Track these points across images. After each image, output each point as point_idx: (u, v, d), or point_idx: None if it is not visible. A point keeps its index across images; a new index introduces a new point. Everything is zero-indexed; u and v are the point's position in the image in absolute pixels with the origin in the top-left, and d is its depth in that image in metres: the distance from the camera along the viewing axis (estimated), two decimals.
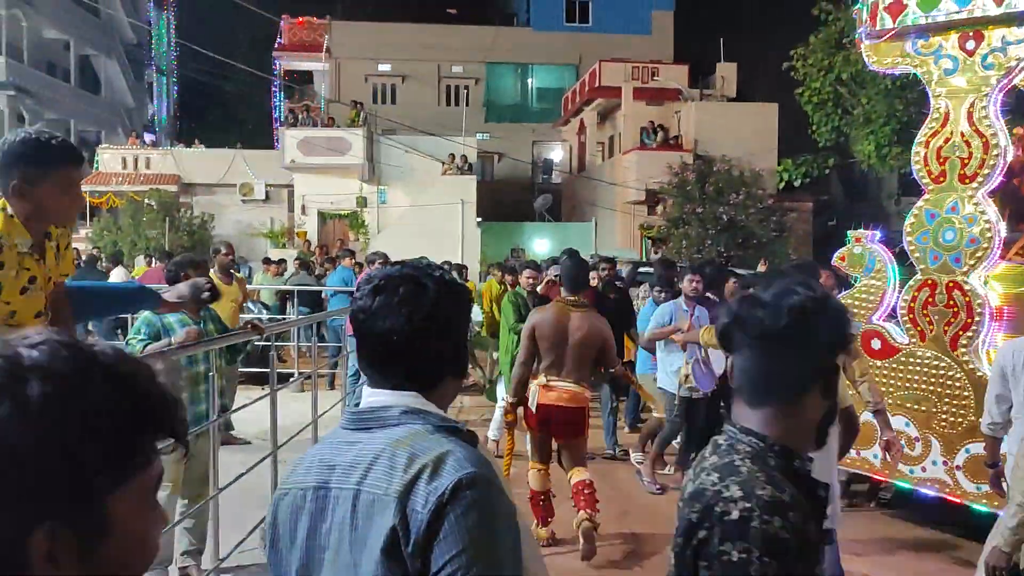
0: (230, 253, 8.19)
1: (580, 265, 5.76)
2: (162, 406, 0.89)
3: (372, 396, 1.55)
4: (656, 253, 21.67)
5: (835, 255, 5.83)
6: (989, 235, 4.81)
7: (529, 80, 34.57)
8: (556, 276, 7.62)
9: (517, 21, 35.55)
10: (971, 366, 4.69)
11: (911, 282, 5.17)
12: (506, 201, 28.35)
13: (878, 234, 5.56)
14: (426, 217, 22.18)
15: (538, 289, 7.79)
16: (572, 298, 5.50)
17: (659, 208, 22.73)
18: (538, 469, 5.65)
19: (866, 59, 5.50)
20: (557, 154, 33.06)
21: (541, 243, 24.12)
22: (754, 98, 24.33)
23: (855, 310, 5.36)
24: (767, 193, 21.38)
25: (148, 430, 0.88)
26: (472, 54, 31.92)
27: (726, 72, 25.59)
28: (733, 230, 20.43)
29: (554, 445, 5.72)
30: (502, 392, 7.57)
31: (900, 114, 14.02)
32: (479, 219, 23.67)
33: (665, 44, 31.80)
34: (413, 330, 1.50)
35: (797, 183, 16.59)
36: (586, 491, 5.37)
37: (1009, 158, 4.87)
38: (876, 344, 5.24)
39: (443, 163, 23.62)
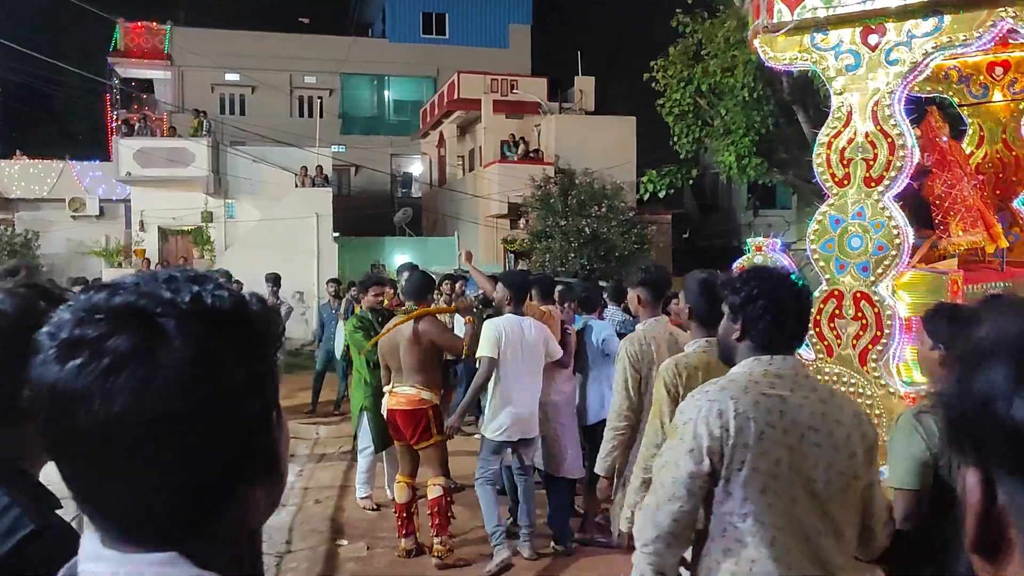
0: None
1: (418, 278, 6.15)
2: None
3: (88, 563, 0.80)
4: (520, 267, 21.32)
5: (734, 264, 5.36)
6: (898, 241, 4.46)
7: (386, 92, 33.72)
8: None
9: (372, 32, 34.71)
10: (881, 381, 4.30)
11: (816, 293, 4.72)
12: (365, 215, 27.36)
13: (779, 242, 5.10)
14: (279, 232, 20.92)
15: (384, 303, 7.25)
16: (406, 307, 6.00)
17: (522, 222, 22.41)
18: (401, 482, 5.87)
19: (761, 55, 5.07)
20: (417, 167, 32.34)
21: (402, 258, 23.29)
22: (612, 112, 24.46)
23: None
24: (628, 206, 21.47)
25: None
26: (326, 65, 30.78)
27: (584, 86, 25.67)
28: (596, 243, 20.34)
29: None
30: (365, 439, 6.84)
31: (758, 125, 14.17)
32: (336, 234, 22.61)
33: (523, 57, 31.74)
34: (146, 424, 0.75)
35: (662, 194, 16.57)
36: (438, 511, 5.56)
37: (915, 159, 4.54)
38: None
39: (296, 175, 22.44)
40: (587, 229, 20.30)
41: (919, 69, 4.50)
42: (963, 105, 6.07)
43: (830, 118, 4.75)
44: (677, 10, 15.41)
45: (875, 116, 4.52)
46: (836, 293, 4.65)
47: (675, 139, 15.82)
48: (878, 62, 4.55)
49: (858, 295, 4.55)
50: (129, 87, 28.04)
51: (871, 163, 4.53)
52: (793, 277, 2.60)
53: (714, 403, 2.31)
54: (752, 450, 2.26)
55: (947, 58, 5.38)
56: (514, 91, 25.39)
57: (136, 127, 21.90)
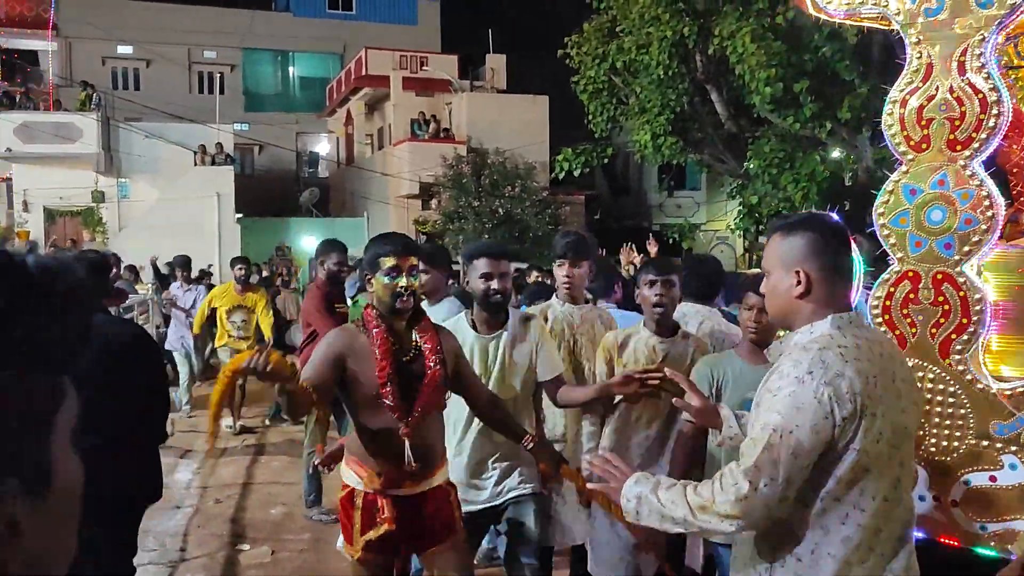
0: None
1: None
2: None
3: None
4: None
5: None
6: (990, 214, 3.83)
7: (291, 68, 32.55)
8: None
9: (276, 6, 33.38)
10: (968, 377, 3.77)
11: (885, 275, 4.09)
12: (269, 195, 26.36)
13: (833, 216, 4.46)
14: (177, 212, 19.86)
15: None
16: None
17: (434, 202, 21.92)
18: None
19: (809, 4, 4.31)
20: (324, 146, 31.37)
21: (309, 240, 22.53)
22: (525, 90, 24.13)
23: None
24: (541, 186, 21.22)
25: None
26: (227, 39, 29.45)
27: (495, 64, 25.25)
28: (510, 224, 20.05)
29: None
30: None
31: (673, 104, 14.03)
32: (239, 215, 21.66)
33: (432, 34, 31.06)
34: None
35: (577, 172, 16.33)
36: None
37: (1009, 118, 3.91)
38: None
39: (195, 153, 21.36)
40: (501, 210, 19.98)
41: (1018, 11, 3.85)
42: (1010, 67, 5.49)
43: (905, 72, 4.07)
44: None
45: (961, 68, 3.91)
46: (911, 274, 4.02)
47: (590, 117, 15.58)
48: (966, 4, 3.92)
49: (939, 276, 3.95)
50: (11, 59, 26.21)
51: (956, 123, 3.90)
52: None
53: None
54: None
55: None
56: (424, 68, 24.78)
57: (17, 100, 20.44)
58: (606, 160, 16.82)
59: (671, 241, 17.64)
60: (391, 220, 22.73)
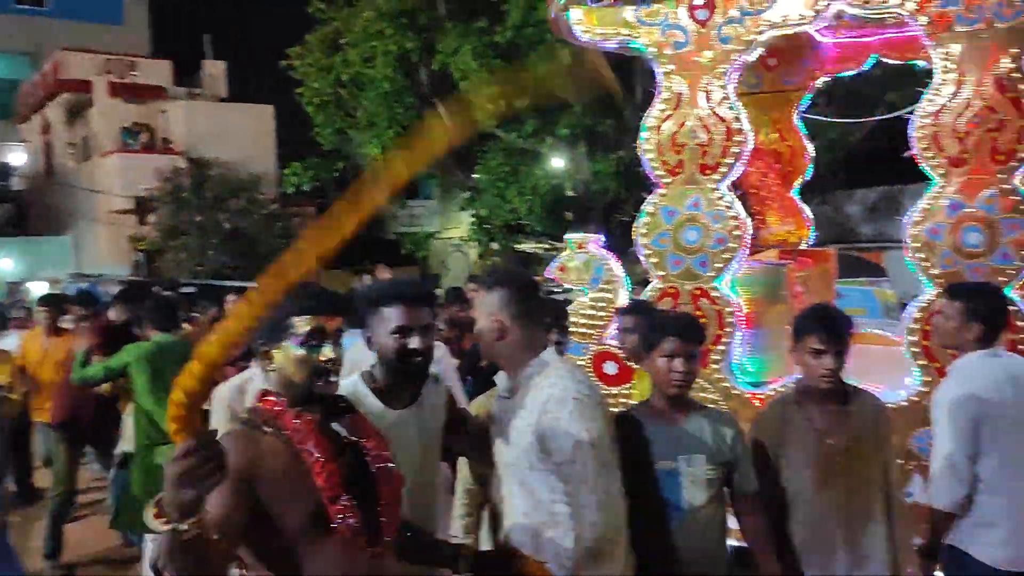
0: None
1: None
2: None
3: None
4: (152, 267, 19.44)
5: (552, 265, 4.78)
6: (738, 233, 4.21)
7: None
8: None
9: None
10: (725, 384, 4.08)
11: (648, 291, 4.41)
12: None
13: (602, 238, 4.65)
14: None
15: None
16: None
17: (151, 217, 20.38)
18: None
19: (575, 30, 4.56)
20: (18, 156, 28.11)
21: (5, 262, 20.12)
22: (249, 99, 23.15)
23: (583, 329, 4.49)
24: (270, 199, 20.46)
25: None
26: None
27: (214, 70, 24.03)
28: (237, 238, 19.13)
29: None
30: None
31: (401, 117, 14.09)
32: None
33: (141, 36, 28.92)
34: None
35: (306, 187, 15.91)
36: None
37: (751, 144, 4.29)
38: (610, 368, 4.45)
39: None
40: (226, 224, 19.02)
41: (753, 48, 4.27)
42: (739, 94, 6.06)
43: (657, 100, 4.37)
44: None
45: (708, 98, 4.23)
46: (672, 291, 4.34)
47: (317, 130, 15.26)
48: (708, 40, 4.25)
49: (696, 292, 4.27)
50: None
51: (706, 149, 4.22)
52: None
53: None
54: None
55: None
56: (133, 73, 22.98)
57: None
58: (336, 174, 16.57)
59: (405, 252, 17.69)
60: (102, 238, 20.89)
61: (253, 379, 3.20)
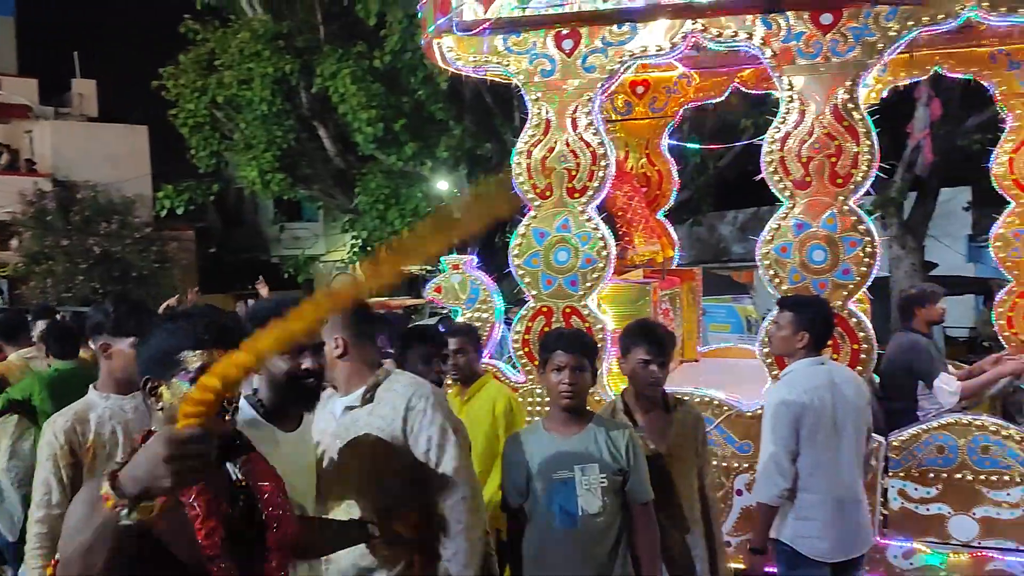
0: None
1: None
2: None
3: None
4: (15, 295, 18.41)
5: (428, 286, 4.88)
6: (605, 253, 4.44)
7: None
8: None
9: None
10: (596, 398, 4.16)
11: (523, 311, 4.55)
12: None
13: (475, 259, 4.80)
14: None
15: None
16: None
17: (13, 242, 19.31)
18: None
19: (447, 56, 4.72)
20: None
21: None
22: (122, 119, 22.32)
23: None
24: (144, 222, 19.75)
25: None
26: None
27: (84, 89, 23.11)
28: (109, 263, 18.36)
29: None
30: None
31: (280, 140, 13.88)
32: None
33: (6, 54, 27.48)
34: None
35: (180, 210, 15.44)
36: None
37: (614, 168, 4.52)
38: None
39: None
40: (96, 248, 18.23)
41: (617, 76, 4.47)
42: (609, 120, 6.25)
43: (528, 126, 4.54)
44: (185, 16, 14.47)
45: (575, 124, 4.41)
46: (544, 310, 4.50)
47: (193, 152, 14.86)
48: (574, 68, 4.43)
49: (568, 310, 4.44)
50: None
51: (573, 173, 4.42)
52: None
53: None
54: None
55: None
56: None
57: None
58: (212, 197, 16.17)
59: (287, 275, 17.36)
60: None
61: (94, 409, 2.98)
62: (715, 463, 4.37)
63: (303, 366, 2.36)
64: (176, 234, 21.24)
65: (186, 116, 14.53)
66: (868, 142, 4.12)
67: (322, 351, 2.45)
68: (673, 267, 6.50)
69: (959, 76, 6.09)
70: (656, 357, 3.15)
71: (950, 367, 5.23)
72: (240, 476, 1.96)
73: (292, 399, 2.42)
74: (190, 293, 8.44)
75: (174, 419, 1.66)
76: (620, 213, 5.49)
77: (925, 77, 6.03)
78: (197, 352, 1.83)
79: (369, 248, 14.20)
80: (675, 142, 6.98)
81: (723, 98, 6.60)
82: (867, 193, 4.29)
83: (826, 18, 4.17)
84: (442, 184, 13.78)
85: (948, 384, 4.64)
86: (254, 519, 1.94)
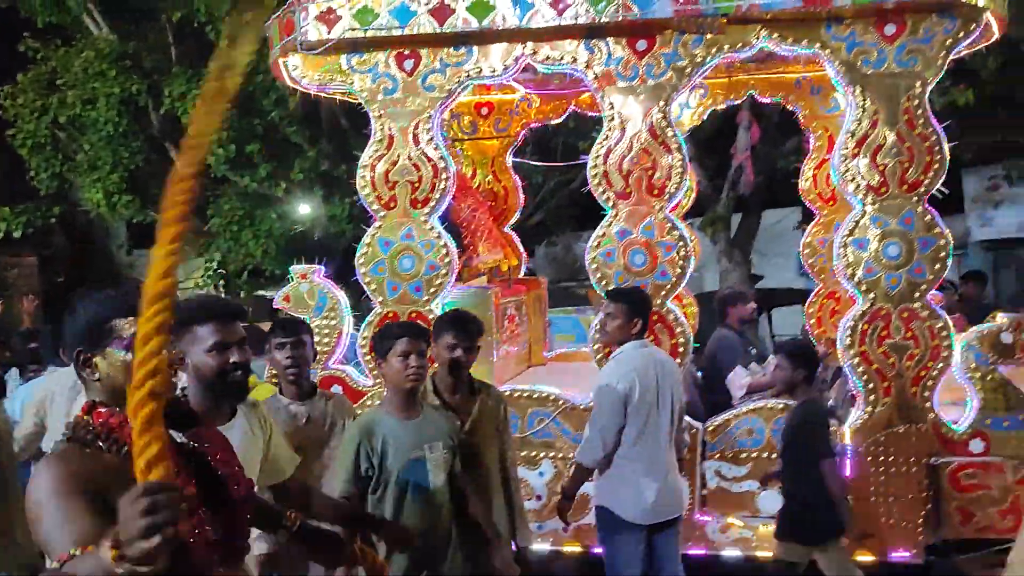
0: None
1: None
2: None
3: None
4: None
5: (278, 296, 5.01)
6: (447, 260, 4.75)
7: None
8: None
9: None
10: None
11: (370, 317, 4.80)
12: None
13: (323, 268, 5.01)
14: None
15: None
16: None
17: None
18: None
19: (293, 74, 4.94)
20: None
21: None
22: None
23: None
24: None
25: None
26: None
27: None
28: None
29: None
30: None
31: (127, 161, 13.47)
32: None
33: None
34: None
35: (17, 234, 14.70)
36: None
37: (454, 181, 4.85)
38: (337, 391, 4.69)
39: None
40: None
41: (455, 95, 4.82)
42: (456, 139, 6.69)
43: (372, 141, 4.80)
44: (25, 34, 13.88)
45: (416, 139, 4.71)
46: (391, 315, 4.72)
47: (33, 173, 14.23)
48: (415, 87, 4.73)
49: (413, 315, 4.68)
50: None
51: (416, 185, 4.72)
52: None
53: None
54: None
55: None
56: None
57: None
58: (53, 219, 15.48)
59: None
60: None
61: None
62: (553, 454, 4.73)
63: (231, 360, 2.34)
64: (17, 261, 20.10)
65: (25, 136, 13.91)
66: (679, 156, 4.60)
67: (245, 344, 2.38)
68: (521, 277, 6.88)
69: (769, 100, 6.77)
70: (462, 342, 3.48)
71: (753, 365, 5.78)
72: (187, 441, 1.98)
73: (220, 396, 2.44)
74: (25, 302, 8.22)
75: (115, 388, 1.81)
76: (465, 224, 5.84)
77: (742, 100, 6.64)
78: (129, 319, 1.80)
79: (224, 270, 13.96)
80: (519, 160, 7.40)
81: (562, 120, 7.07)
82: (697, 213, 4.86)
83: (641, 44, 4.63)
84: (304, 207, 13.73)
85: (739, 378, 5.24)
86: (209, 481, 1.95)
